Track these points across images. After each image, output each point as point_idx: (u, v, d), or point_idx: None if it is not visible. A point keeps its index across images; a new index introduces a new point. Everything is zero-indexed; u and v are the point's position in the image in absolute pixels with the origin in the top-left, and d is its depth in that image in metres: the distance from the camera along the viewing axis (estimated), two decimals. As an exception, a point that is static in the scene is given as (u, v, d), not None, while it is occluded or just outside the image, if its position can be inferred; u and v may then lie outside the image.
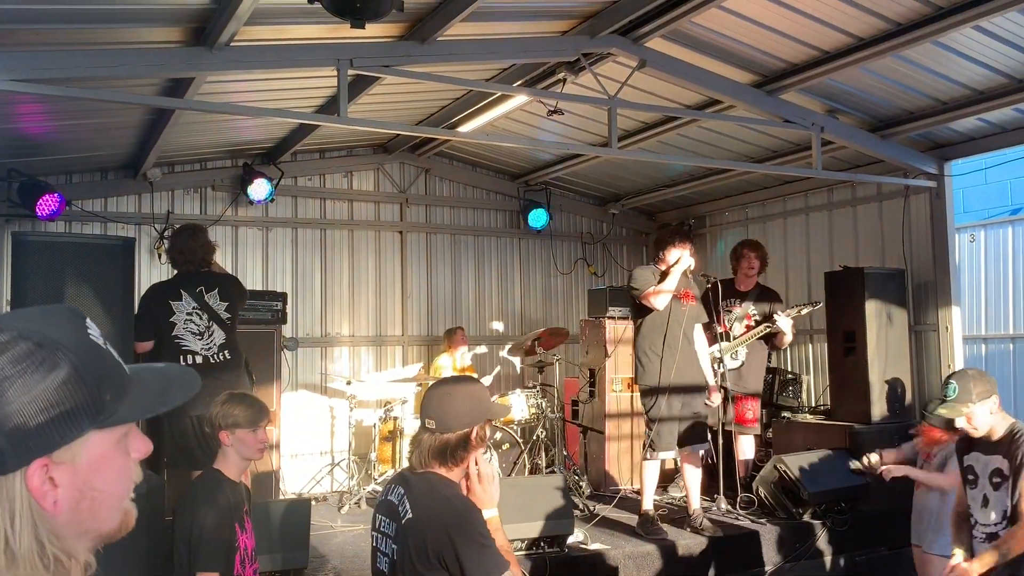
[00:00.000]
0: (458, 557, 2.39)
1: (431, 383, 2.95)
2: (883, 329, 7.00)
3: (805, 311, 6.86)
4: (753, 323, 6.94)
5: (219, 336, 5.52)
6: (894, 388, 6.94)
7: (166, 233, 7.93)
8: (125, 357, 1.20)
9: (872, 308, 6.96)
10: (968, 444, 3.87)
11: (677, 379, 5.93)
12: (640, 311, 6.13)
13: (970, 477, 3.88)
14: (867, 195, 7.98)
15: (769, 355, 8.76)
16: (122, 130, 6.72)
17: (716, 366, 6.65)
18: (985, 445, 3.78)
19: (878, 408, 6.86)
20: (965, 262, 8.63)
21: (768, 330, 6.71)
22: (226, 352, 5.54)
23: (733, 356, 6.89)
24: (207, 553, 2.97)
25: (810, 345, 8.58)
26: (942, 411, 3.74)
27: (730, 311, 7.04)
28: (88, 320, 1.09)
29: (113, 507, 1.06)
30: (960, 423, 3.77)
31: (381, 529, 2.65)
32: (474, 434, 2.57)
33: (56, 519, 1.00)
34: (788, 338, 6.86)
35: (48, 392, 0.98)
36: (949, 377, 3.81)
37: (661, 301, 5.97)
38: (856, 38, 5.58)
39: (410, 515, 2.50)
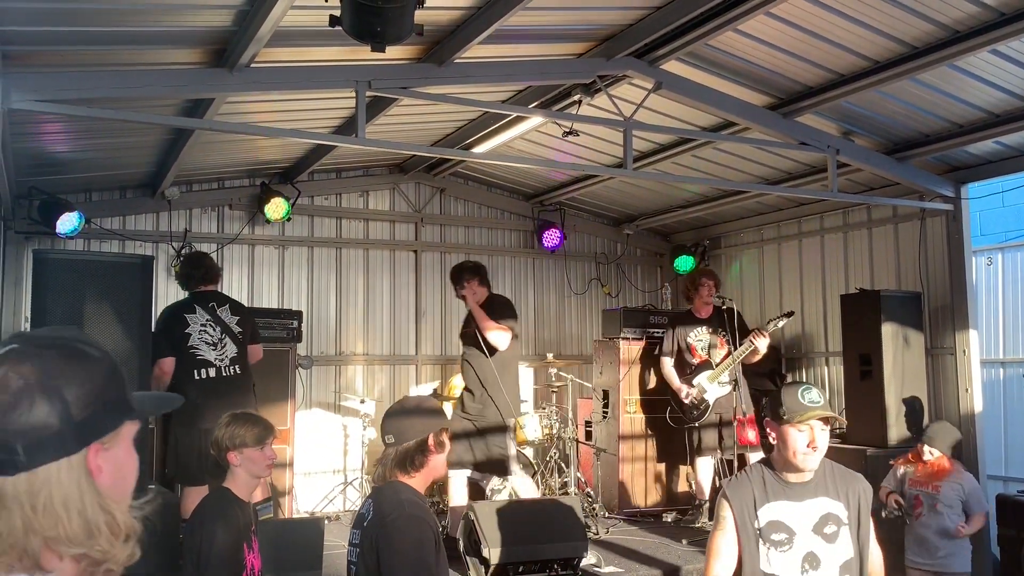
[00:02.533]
0: (384, 555, 2.58)
1: (399, 401, 3.19)
2: (899, 352, 6.96)
3: (781, 323, 6.87)
4: (727, 346, 6.91)
5: (231, 349, 5.69)
6: (912, 408, 6.88)
7: (183, 251, 8.00)
8: (144, 374, 1.39)
9: (888, 331, 6.91)
10: None
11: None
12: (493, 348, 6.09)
13: None
14: (883, 217, 7.95)
15: (783, 376, 8.76)
16: (141, 149, 6.80)
17: (701, 396, 6.89)
18: None
19: (895, 431, 6.80)
20: (982, 285, 8.57)
21: (751, 347, 6.68)
22: (237, 367, 5.70)
23: (721, 383, 6.89)
24: (214, 571, 2.97)
25: (825, 367, 8.53)
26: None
27: (700, 339, 7.16)
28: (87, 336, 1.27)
29: (130, 495, 1.21)
30: None
31: (352, 541, 2.82)
32: (431, 440, 2.80)
33: (109, 496, 1.15)
34: (763, 350, 6.83)
35: (99, 386, 1.15)
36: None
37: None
38: (872, 61, 5.59)
39: (371, 516, 2.71)
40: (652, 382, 7.97)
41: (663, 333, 7.57)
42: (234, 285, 8.30)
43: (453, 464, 5.74)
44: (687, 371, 7.17)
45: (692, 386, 7.05)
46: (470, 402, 6.14)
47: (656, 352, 7.57)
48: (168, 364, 5.52)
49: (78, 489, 1.11)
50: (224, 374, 5.63)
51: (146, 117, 5.42)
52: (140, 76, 4.86)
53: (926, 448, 5.13)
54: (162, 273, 7.82)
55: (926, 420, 6.94)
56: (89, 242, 7.61)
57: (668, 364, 7.33)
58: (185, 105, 5.71)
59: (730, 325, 6.79)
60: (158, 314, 5.92)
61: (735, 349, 6.74)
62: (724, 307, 6.93)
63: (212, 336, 5.66)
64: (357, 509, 3.06)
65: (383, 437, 2.84)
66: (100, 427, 1.14)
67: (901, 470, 5.35)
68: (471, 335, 6.13)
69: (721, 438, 6.87)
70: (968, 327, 7.03)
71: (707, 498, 6.94)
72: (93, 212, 7.52)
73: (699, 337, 7.16)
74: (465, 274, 6.27)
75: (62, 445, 1.10)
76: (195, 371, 5.55)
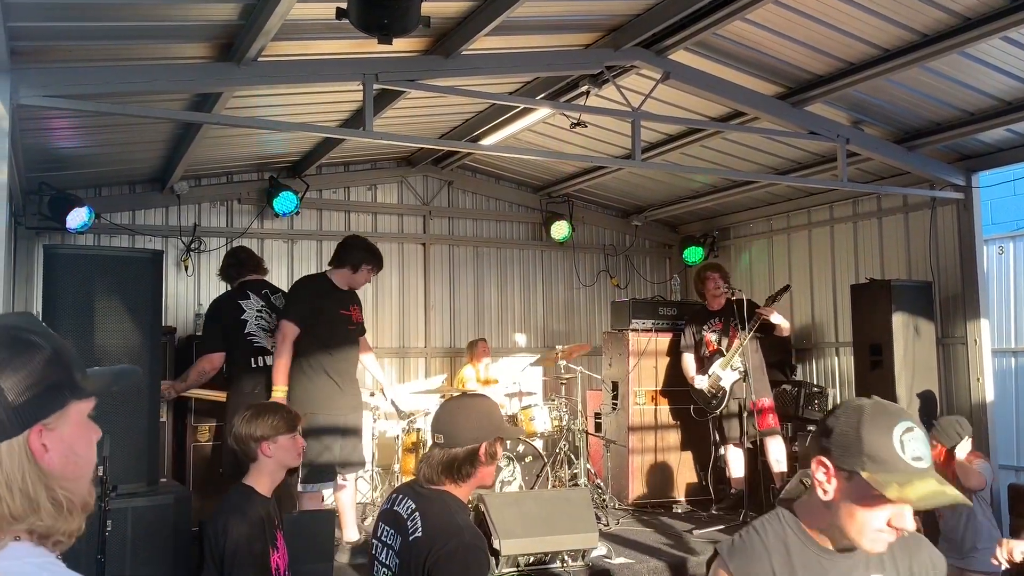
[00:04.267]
0: None
1: (455, 398, 2.92)
2: (910, 342, 6.92)
3: (780, 298, 7.03)
4: (739, 334, 6.95)
5: None
6: (925, 401, 6.85)
7: (193, 245, 8.03)
8: (154, 366, 1.39)
9: (899, 321, 6.88)
10: None
11: None
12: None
13: None
14: (893, 207, 7.91)
15: (794, 368, 8.74)
16: (150, 144, 6.82)
17: (717, 384, 6.97)
18: None
19: (906, 422, 6.76)
20: (993, 274, 8.51)
21: (756, 327, 6.84)
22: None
23: (734, 368, 6.92)
24: (240, 571, 2.94)
25: (836, 358, 8.50)
26: None
27: (715, 331, 7.24)
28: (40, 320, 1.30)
29: (88, 473, 1.27)
30: None
31: (384, 539, 2.58)
32: (482, 450, 2.53)
33: (53, 475, 1.20)
34: (784, 324, 7.05)
35: (38, 370, 1.19)
36: None
37: None
38: (882, 49, 5.55)
39: (419, 534, 2.44)
40: (664, 373, 7.98)
41: (683, 326, 7.71)
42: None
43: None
44: (703, 364, 7.27)
45: (707, 376, 7.10)
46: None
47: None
48: (217, 359, 5.38)
49: (20, 469, 1.16)
50: None
51: (154, 112, 5.43)
52: (148, 71, 4.86)
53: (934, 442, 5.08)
54: (171, 268, 7.86)
55: (939, 411, 6.91)
56: (99, 237, 7.64)
57: (687, 359, 7.49)
58: (193, 99, 5.72)
59: (739, 314, 6.82)
60: (207, 307, 5.85)
61: (718, 345, 6.92)
62: (734, 298, 6.95)
63: (268, 322, 5.48)
64: (378, 502, 2.88)
65: (433, 435, 2.60)
66: (40, 410, 1.19)
67: None
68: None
69: (742, 426, 6.86)
70: (979, 316, 7.00)
71: (743, 487, 6.94)
72: (103, 207, 7.54)
73: (712, 329, 7.26)
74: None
75: (1, 429, 1.15)
76: (252, 359, 5.39)
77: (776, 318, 6.92)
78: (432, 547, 2.38)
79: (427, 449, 2.66)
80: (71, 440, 1.23)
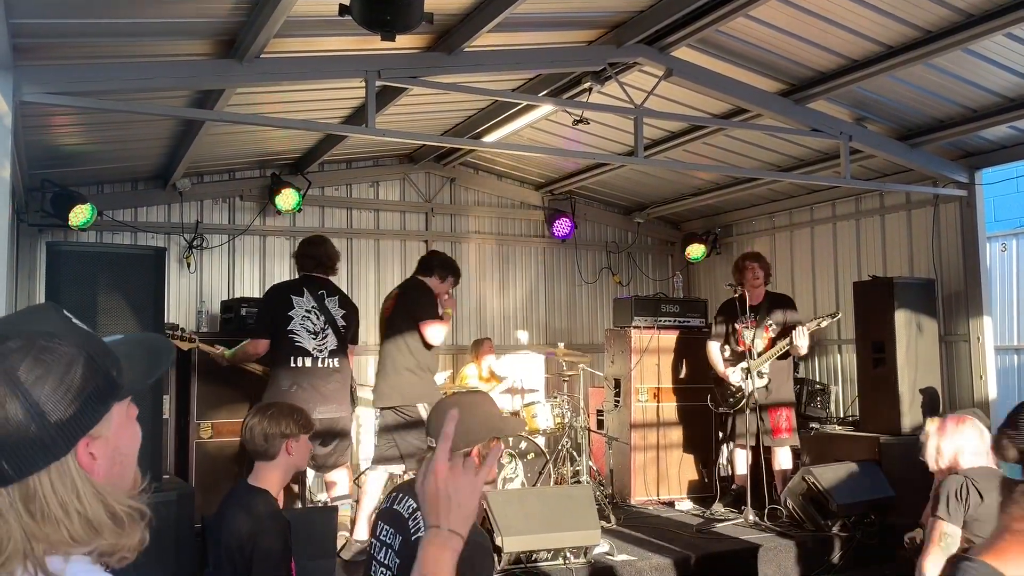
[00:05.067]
0: None
1: (448, 398, 2.87)
2: (913, 339, 6.92)
3: (825, 323, 6.75)
4: (772, 334, 6.84)
5: (332, 341, 5.46)
6: (928, 398, 6.85)
7: (195, 242, 8.03)
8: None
9: (902, 318, 6.88)
10: None
11: None
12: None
13: None
14: (896, 204, 7.90)
15: (797, 365, 8.73)
16: (152, 141, 6.82)
17: (747, 378, 6.68)
18: None
19: (908, 419, 6.77)
20: (996, 271, 8.51)
21: (788, 346, 6.63)
22: (336, 361, 5.46)
23: (760, 373, 6.79)
24: (268, 569, 2.89)
25: (838, 355, 8.50)
26: None
27: (748, 327, 6.90)
28: (64, 310, 1.21)
29: (133, 466, 1.21)
30: None
31: (383, 539, 2.54)
32: (475, 453, 2.42)
33: (107, 486, 1.14)
34: (803, 351, 6.76)
35: (76, 382, 1.11)
36: None
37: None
38: (885, 46, 5.54)
39: (422, 533, 2.39)
40: (667, 371, 7.96)
41: (714, 320, 7.35)
42: (245, 276, 8.33)
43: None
44: (732, 358, 6.95)
45: (734, 372, 6.89)
46: None
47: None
48: (262, 346, 5.36)
49: (74, 489, 1.09)
50: (320, 365, 5.38)
51: (157, 109, 5.43)
52: (150, 68, 4.86)
53: None
54: (173, 265, 7.86)
55: (942, 408, 6.91)
56: (101, 234, 7.64)
57: (714, 348, 7.12)
58: (195, 97, 5.71)
59: (741, 310, 6.76)
60: (264, 290, 5.83)
61: (750, 343, 6.72)
62: (736, 294, 6.89)
63: (315, 324, 5.42)
64: (382, 502, 2.80)
65: (428, 438, 2.57)
66: (84, 422, 1.11)
67: None
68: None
69: (758, 429, 6.75)
70: (982, 313, 6.99)
71: (746, 486, 6.87)
72: (105, 204, 7.54)
73: (747, 325, 6.90)
74: None
75: (47, 450, 1.08)
76: (291, 358, 5.33)
77: (804, 343, 6.60)
78: None
79: (427, 453, 2.62)
80: (116, 441, 1.17)
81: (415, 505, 2.45)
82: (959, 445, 3.61)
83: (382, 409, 5.85)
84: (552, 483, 7.05)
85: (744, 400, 6.76)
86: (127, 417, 1.20)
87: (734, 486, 7.22)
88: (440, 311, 5.90)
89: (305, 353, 5.36)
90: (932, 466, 3.73)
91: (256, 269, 8.38)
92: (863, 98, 6.34)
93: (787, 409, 6.91)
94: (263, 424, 3.11)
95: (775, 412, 6.83)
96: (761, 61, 5.97)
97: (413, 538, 2.41)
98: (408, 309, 5.83)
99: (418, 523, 2.40)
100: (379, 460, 5.79)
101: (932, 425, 3.80)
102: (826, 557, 5.96)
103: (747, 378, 6.71)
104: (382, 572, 2.50)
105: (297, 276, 5.76)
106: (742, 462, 7.00)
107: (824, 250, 8.67)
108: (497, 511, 5.14)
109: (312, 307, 5.45)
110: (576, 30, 5.68)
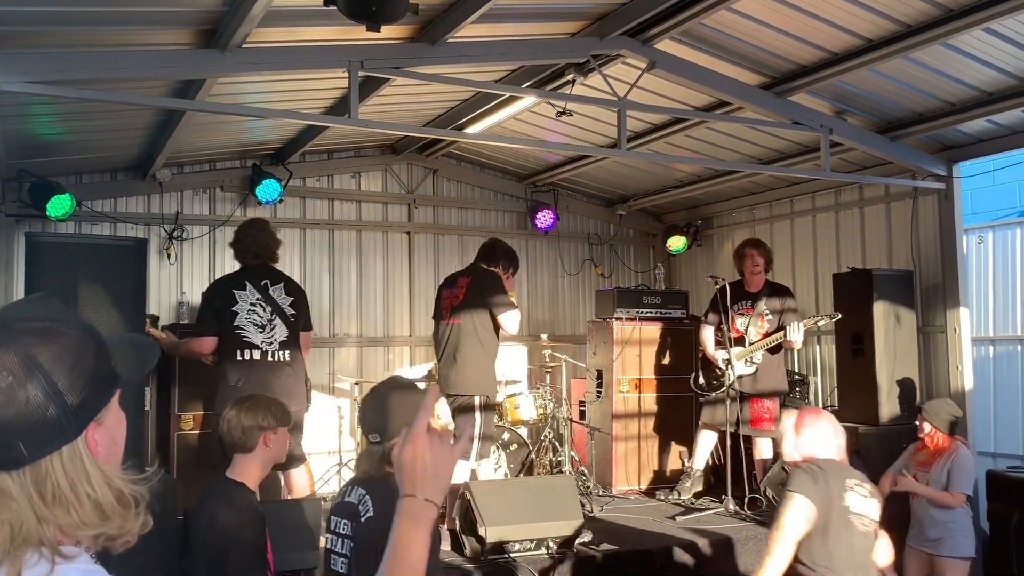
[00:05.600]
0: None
1: (371, 392, 2.88)
2: (891, 331, 7.00)
3: (823, 323, 6.80)
4: (766, 325, 6.87)
5: (281, 332, 5.34)
6: (905, 389, 6.94)
7: (175, 233, 7.98)
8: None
9: (880, 310, 6.95)
10: None
11: None
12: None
13: None
14: (875, 196, 7.97)
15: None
16: (132, 131, 6.75)
17: (728, 368, 6.71)
18: None
19: (886, 409, 6.85)
20: (973, 263, 8.62)
21: (781, 339, 6.66)
22: (287, 353, 5.34)
23: (748, 363, 6.83)
24: (247, 567, 2.91)
25: (817, 346, 8.57)
26: None
27: (743, 314, 6.94)
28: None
29: (120, 455, 1.22)
30: None
31: (337, 530, 2.65)
32: None
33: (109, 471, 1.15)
34: (797, 346, 6.81)
35: (89, 366, 1.13)
36: None
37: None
38: (865, 40, 5.58)
39: (371, 513, 2.53)
40: (649, 362, 8.01)
41: (707, 310, 7.32)
42: (226, 267, 8.24)
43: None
44: (724, 343, 6.87)
45: (726, 355, 6.84)
46: None
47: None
48: (208, 343, 5.26)
49: (84, 472, 1.10)
50: (271, 358, 5.28)
51: (137, 99, 5.38)
52: (131, 57, 4.81)
53: (925, 424, 5.14)
54: (153, 256, 7.79)
55: (919, 399, 7.00)
56: (80, 225, 7.57)
57: (707, 331, 7.08)
58: (176, 86, 5.66)
59: (722, 302, 6.79)
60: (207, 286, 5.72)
61: (726, 325, 6.73)
62: (717, 286, 6.93)
63: (261, 317, 5.30)
64: (333, 499, 2.89)
65: (366, 435, 2.66)
66: (95, 406, 1.14)
67: (910, 450, 5.37)
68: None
69: (739, 416, 6.78)
70: (959, 305, 7.07)
71: (700, 469, 6.93)
72: (84, 194, 7.47)
73: (741, 311, 6.91)
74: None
75: (62, 433, 1.09)
76: (238, 351, 5.24)
77: (798, 339, 6.61)
78: (384, 526, 2.42)
79: (364, 448, 2.72)
80: (113, 430, 1.19)
81: (364, 491, 2.60)
82: (816, 438, 3.67)
83: (447, 396, 5.89)
84: (535, 473, 7.09)
85: (727, 385, 6.77)
86: (118, 407, 1.22)
87: (687, 466, 7.23)
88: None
89: (253, 347, 5.25)
90: (789, 458, 3.79)
91: (236, 260, 8.32)
92: (843, 91, 6.39)
93: (772, 400, 6.92)
94: (240, 416, 3.11)
95: (757, 402, 6.87)
96: (743, 54, 5.99)
97: (363, 519, 2.54)
98: (482, 298, 5.81)
99: (367, 507, 2.54)
100: None
101: (789, 419, 3.87)
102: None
103: (730, 367, 6.74)
104: (340, 562, 2.62)
105: (238, 268, 5.63)
106: (707, 444, 7.03)
107: (804, 242, 8.73)
108: (480, 501, 5.16)
109: (257, 299, 5.32)
110: (559, 22, 5.68)
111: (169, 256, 7.94)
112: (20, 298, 1.31)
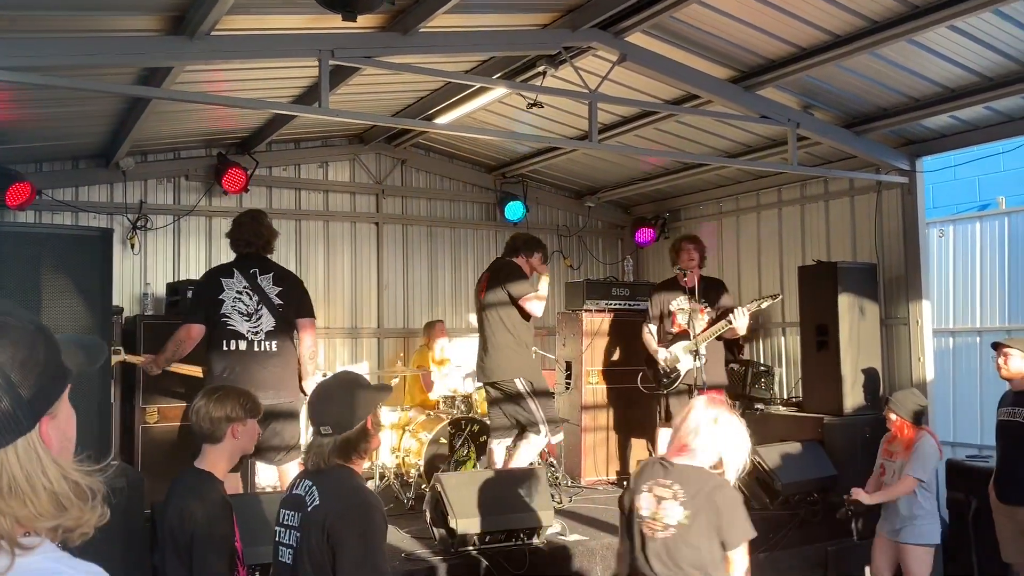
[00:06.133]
0: (339, 543, 2.53)
1: (321, 386, 2.97)
2: (855, 323, 7.11)
3: (765, 304, 6.74)
4: (706, 317, 6.85)
5: (268, 322, 5.22)
6: (869, 379, 7.06)
7: (139, 223, 7.85)
8: (107, 348, 1.34)
9: (845, 302, 7.06)
10: None
11: None
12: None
13: None
14: (840, 190, 8.09)
15: (741, 347, 8.89)
16: (95, 119, 6.63)
17: (678, 360, 6.70)
18: None
19: (851, 400, 6.97)
20: (934, 257, 8.77)
21: (728, 327, 6.65)
22: (273, 344, 5.22)
23: (696, 356, 6.82)
24: (211, 556, 2.90)
25: (782, 338, 8.69)
26: None
27: (683, 310, 6.85)
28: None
29: (73, 450, 1.22)
30: None
31: (284, 522, 2.75)
32: (370, 423, 2.73)
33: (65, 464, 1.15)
34: (742, 331, 6.69)
35: (41, 358, 1.14)
36: None
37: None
38: (833, 35, 5.65)
39: (317, 502, 2.63)
40: (617, 354, 8.05)
41: (646, 302, 7.34)
42: (191, 258, 8.17)
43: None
44: (666, 340, 6.90)
45: (669, 353, 6.80)
46: None
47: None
48: (196, 330, 5.15)
49: (40, 464, 1.10)
50: (256, 348, 5.15)
51: (102, 86, 5.27)
52: (97, 43, 4.71)
53: (891, 414, 5.21)
54: (117, 246, 7.65)
55: (882, 390, 7.12)
56: (40, 214, 7.42)
57: (650, 331, 7.07)
58: (142, 73, 5.56)
59: (700, 296, 6.77)
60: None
61: (686, 325, 6.74)
62: (685, 278, 6.92)
63: (247, 306, 5.19)
64: (283, 494, 2.96)
65: (318, 428, 2.71)
66: (48, 399, 1.14)
67: (883, 442, 5.43)
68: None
69: None
70: (922, 298, 7.21)
71: None
72: (44, 183, 7.32)
73: (680, 306, 6.88)
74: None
75: (16, 426, 1.09)
76: (224, 342, 5.13)
77: (742, 325, 6.53)
78: (329, 511, 2.58)
79: (313, 440, 2.77)
80: (64, 425, 1.19)
81: (310, 483, 2.70)
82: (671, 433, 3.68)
83: (484, 384, 6.31)
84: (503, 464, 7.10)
85: (678, 380, 6.74)
86: (69, 405, 1.23)
87: None
88: (536, 283, 6.28)
89: (239, 336, 5.15)
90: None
91: (202, 250, 8.23)
92: (811, 86, 6.46)
93: (720, 393, 6.92)
94: (209, 407, 3.11)
95: (708, 394, 6.83)
96: (713, 48, 6.03)
97: (310, 508, 2.64)
98: (502, 288, 6.16)
99: (314, 497, 2.65)
100: (494, 432, 6.35)
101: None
102: (771, 535, 6.11)
103: (678, 361, 6.70)
104: (285, 551, 2.74)
105: (231, 258, 5.54)
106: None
107: (770, 235, 8.83)
108: (451, 494, 5.16)
109: (244, 287, 5.22)
110: (531, 13, 5.67)
111: (133, 246, 7.82)
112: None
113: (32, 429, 1.11)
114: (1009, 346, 5.32)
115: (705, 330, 6.70)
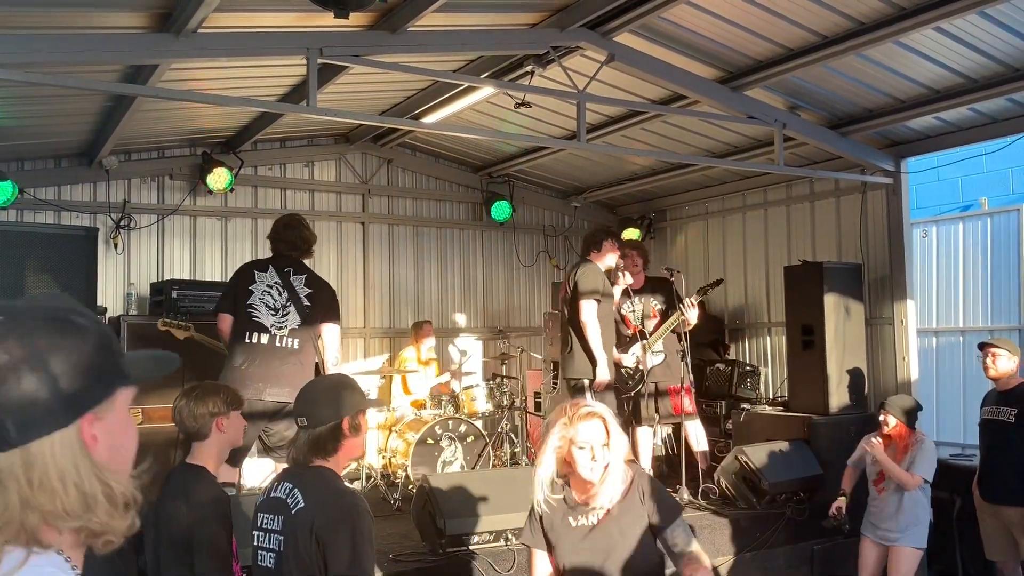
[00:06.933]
0: (328, 546, 2.53)
1: (312, 380, 3.08)
2: (841, 322, 7.15)
3: (710, 291, 7.00)
4: (658, 316, 6.94)
5: (294, 320, 5.21)
6: (854, 379, 7.09)
7: (122, 222, 7.77)
8: None
9: (830, 302, 7.09)
10: None
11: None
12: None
13: None
14: (825, 191, 8.13)
15: (727, 347, 8.94)
16: (78, 117, 6.55)
17: (639, 365, 6.75)
18: None
19: (836, 399, 7.00)
20: (917, 257, 8.84)
21: (678, 320, 6.71)
22: (296, 341, 5.19)
23: (655, 352, 6.88)
24: (211, 552, 2.88)
25: (768, 338, 8.72)
26: None
27: (633, 312, 6.97)
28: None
29: (129, 465, 1.20)
30: None
31: (265, 526, 2.73)
32: (345, 425, 2.72)
33: (106, 467, 1.14)
34: (693, 321, 6.76)
35: (88, 356, 1.13)
36: None
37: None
38: (820, 36, 5.67)
39: (301, 505, 2.62)
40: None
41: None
42: (175, 257, 8.11)
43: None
44: (623, 343, 6.93)
45: (631, 355, 6.87)
46: None
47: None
48: (224, 321, 5.16)
49: (73, 462, 1.10)
50: (278, 343, 5.13)
51: (87, 84, 5.20)
52: (82, 40, 4.65)
53: (889, 417, 5.22)
54: (100, 245, 7.58)
55: (867, 389, 7.16)
56: (22, 213, 7.33)
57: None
58: (127, 71, 5.51)
59: (674, 295, 6.81)
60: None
61: (639, 325, 6.82)
62: (672, 277, 6.95)
63: (276, 300, 5.20)
64: (259, 497, 2.93)
65: (296, 419, 2.77)
66: (91, 398, 1.13)
67: (864, 442, 5.45)
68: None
69: (657, 408, 6.84)
70: (906, 297, 7.26)
71: (649, 468, 6.97)
72: (26, 182, 7.23)
73: (631, 308, 6.98)
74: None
75: (53, 419, 1.09)
76: (247, 333, 5.11)
77: (692, 315, 6.66)
78: (317, 514, 2.57)
79: (296, 433, 2.83)
80: (117, 430, 1.17)
81: (291, 485, 2.70)
82: None
83: (565, 379, 6.53)
84: (491, 465, 7.09)
85: (642, 381, 6.77)
86: (127, 411, 1.21)
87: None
88: (617, 279, 6.56)
89: (262, 329, 5.14)
90: None
91: (186, 250, 8.16)
92: (797, 87, 6.49)
93: (687, 390, 6.92)
94: (190, 405, 3.13)
95: (675, 391, 6.89)
96: (701, 48, 6.05)
97: (294, 511, 2.63)
98: (575, 291, 6.38)
99: (296, 499, 2.64)
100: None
101: None
102: (758, 534, 6.13)
103: (641, 362, 6.77)
104: (267, 556, 2.70)
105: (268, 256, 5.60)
106: (648, 441, 7.06)
107: (755, 235, 8.87)
108: (439, 494, 5.14)
109: (275, 283, 5.24)
110: (520, 13, 5.66)
111: (116, 246, 7.74)
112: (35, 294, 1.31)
113: (70, 425, 1.10)
114: (996, 346, 5.36)
115: (657, 328, 6.80)
